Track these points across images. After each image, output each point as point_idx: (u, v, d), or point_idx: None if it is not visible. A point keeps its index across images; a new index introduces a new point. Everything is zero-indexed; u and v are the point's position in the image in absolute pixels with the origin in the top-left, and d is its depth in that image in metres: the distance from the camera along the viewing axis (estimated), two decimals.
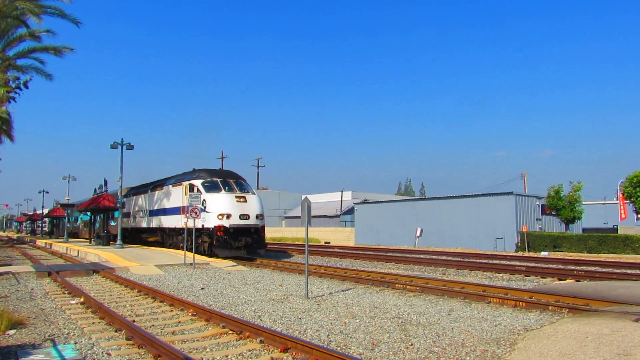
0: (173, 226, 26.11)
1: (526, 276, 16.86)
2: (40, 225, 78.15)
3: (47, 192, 66.49)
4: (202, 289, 13.27)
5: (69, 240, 42.69)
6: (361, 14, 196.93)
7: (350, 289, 13.24)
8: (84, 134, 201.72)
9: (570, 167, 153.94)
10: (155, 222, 29.20)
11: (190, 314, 9.49)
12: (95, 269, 17.42)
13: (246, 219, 22.28)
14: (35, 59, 26.74)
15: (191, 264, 18.89)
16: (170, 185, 27.18)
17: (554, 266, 20.27)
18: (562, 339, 7.09)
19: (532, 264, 21.14)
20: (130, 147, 30.25)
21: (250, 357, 6.60)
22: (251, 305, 10.69)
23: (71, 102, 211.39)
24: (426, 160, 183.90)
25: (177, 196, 25.65)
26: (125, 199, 34.88)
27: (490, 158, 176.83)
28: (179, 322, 8.94)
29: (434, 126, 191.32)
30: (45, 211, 65.67)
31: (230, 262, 20.04)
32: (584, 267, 19.86)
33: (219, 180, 23.54)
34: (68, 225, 52.79)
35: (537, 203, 37.03)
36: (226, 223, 21.73)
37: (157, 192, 29.34)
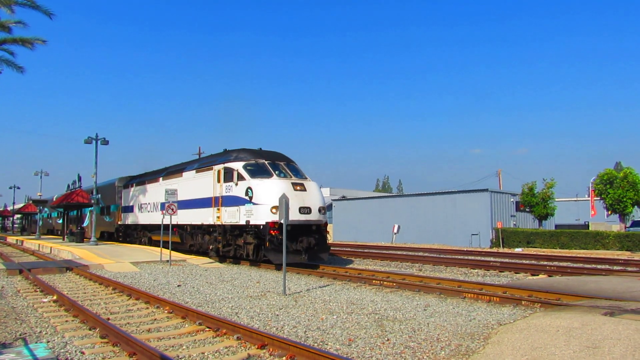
0: (199, 223, 20.82)
1: (500, 272, 17.18)
2: (11, 221, 76.29)
3: (18, 188, 64.85)
4: (178, 286, 13.16)
5: (42, 237, 41.80)
6: (336, 12, 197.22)
7: (328, 285, 13.29)
8: (57, 129, 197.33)
9: (543, 164, 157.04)
10: (170, 217, 24.99)
11: (166, 312, 9.40)
12: (69, 266, 17.10)
13: (307, 214, 17.32)
14: (6, 51, 26.06)
15: (167, 261, 18.70)
16: (194, 171, 21.91)
17: (527, 262, 20.68)
18: (534, 333, 7.25)
19: (507, 260, 21.54)
20: (105, 142, 29.73)
21: (227, 354, 6.58)
22: (228, 302, 10.65)
23: (44, 96, 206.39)
24: (404, 157, 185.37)
25: (205, 184, 20.46)
26: (123, 190, 31.26)
27: (466, 155, 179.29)
28: (155, 319, 8.85)
29: (412, 123, 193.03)
30: (17, 207, 64.15)
31: (206, 259, 19.85)
32: (556, 263, 20.31)
33: (266, 162, 18.60)
34: (49, 221, 51.51)
35: (512, 200, 37.74)
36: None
37: (173, 180, 23.92)
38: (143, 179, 28.59)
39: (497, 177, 53.87)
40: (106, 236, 34.36)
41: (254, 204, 17.33)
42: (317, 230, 17.77)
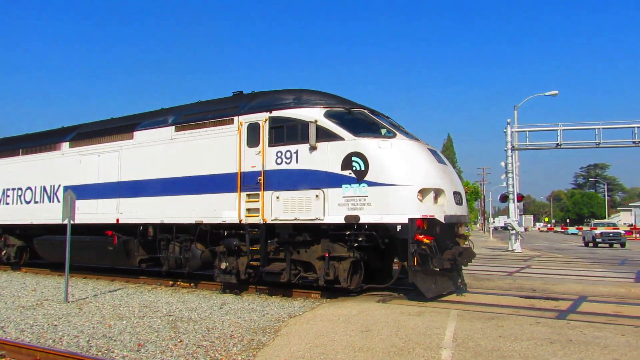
0: (183, 221, 11.90)
1: None
2: None
3: None
4: None
5: None
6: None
7: (120, 289, 12.42)
8: None
9: None
10: (93, 212, 13.62)
11: None
12: None
13: (459, 204, 10.41)
14: None
15: None
16: (170, 128, 12.33)
17: None
18: (319, 322, 7.89)
19: None
20: None
21: None
22: None
23: None
24: None
25: (208, 150, 11.63)
26: None
27: None
28: None
29: None
30: None
31: None
32: None
33: (366, 111, 10.75)
34: None
35: None
36: (438, 212, 9.62)
37: (103, 146, 13.75)
38: (15, 147, 16.85)
39: None
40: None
41: (374, 184, 9.38)
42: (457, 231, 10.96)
